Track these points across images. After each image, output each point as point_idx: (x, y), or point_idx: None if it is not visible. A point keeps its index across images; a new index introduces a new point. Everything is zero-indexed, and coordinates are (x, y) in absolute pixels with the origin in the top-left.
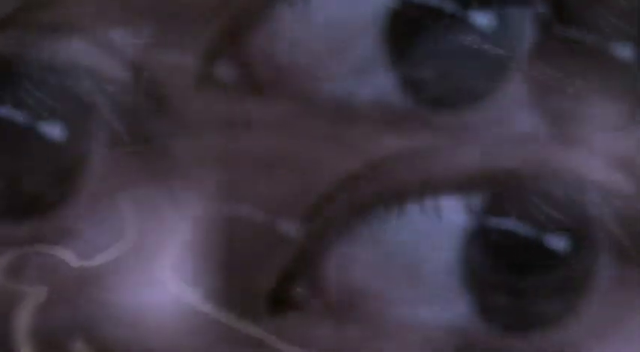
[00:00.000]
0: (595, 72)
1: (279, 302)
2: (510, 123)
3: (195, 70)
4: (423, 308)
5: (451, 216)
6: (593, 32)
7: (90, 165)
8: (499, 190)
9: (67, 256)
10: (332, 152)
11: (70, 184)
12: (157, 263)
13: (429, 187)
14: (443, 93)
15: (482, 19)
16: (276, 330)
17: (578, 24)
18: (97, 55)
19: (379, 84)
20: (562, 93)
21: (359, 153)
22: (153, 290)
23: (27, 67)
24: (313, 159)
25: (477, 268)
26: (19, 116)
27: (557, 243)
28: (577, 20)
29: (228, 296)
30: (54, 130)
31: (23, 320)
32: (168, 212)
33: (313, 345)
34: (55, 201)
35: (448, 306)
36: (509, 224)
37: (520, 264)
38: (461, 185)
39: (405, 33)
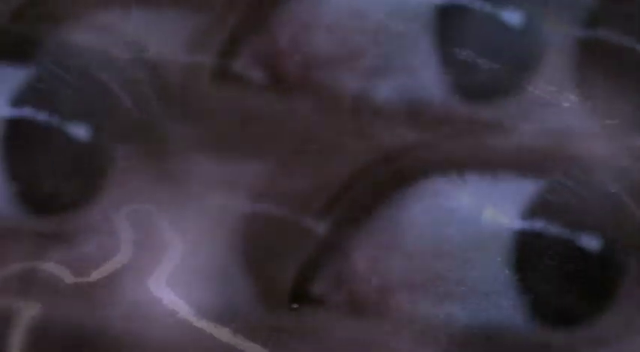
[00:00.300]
0: (619, 70)
1: (298, 298)
2: (535, 118)
3: (214, 64)
4: (454, 305)
5: (490, 215)
6: (620, 33)
7: (113, 165)
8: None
9: (62, 272)
10: (353, 144)
11: (93, 183)
12: (152, 279)
13: (454, 166)
14: (470, 88)
15: (513, 17)
16: (294, 327)
17: (605, 24)
18: (109, 43)
19: (400, 82)
20: (586, 89)
21: (379, 144)
22: (148, 306)
23: (42, 61)
24: (335, 152)
25: (519, 267)
26: (40, 116)
27: (590, 242)
28: (604, 20)
29: (223, 310)
30: (78, 130)
31: (18, 335)
32: (164, 227)
33: (330, 343)
34: (77, 200)
35: (488, 303)
36: (546, 226)
37: (556, 264)
38: (487, 167)
39: (447, 35)
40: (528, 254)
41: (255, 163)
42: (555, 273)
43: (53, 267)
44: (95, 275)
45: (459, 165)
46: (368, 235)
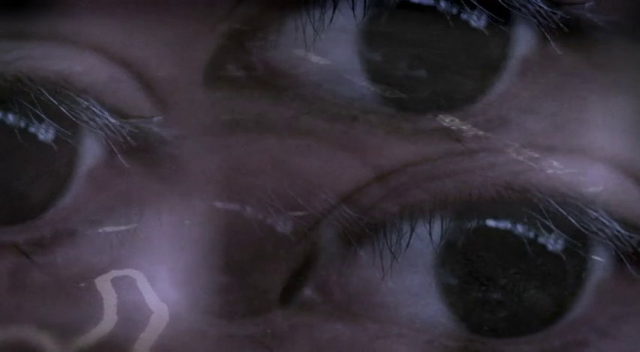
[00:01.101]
0: (598, 74)
1: (288, 303)
2: (514, 126)
3: (205, 69)
4: (432, 309)
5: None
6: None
7: (82, 167)
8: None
9: (45, 340)
10: (342, 159)
11: (60, 186)
12: (136, 347)
13: (439, 207)
14: (435, 95)
15: (477, 20)
16: (285, 331)
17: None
18: (93, 59)
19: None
20: (563, 97)
21: (369, 161)
22: None
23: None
24: (323, 164)
25: (478, 269)
26: (9, 119)
27: (554, 244)
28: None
29: None
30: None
31: None
32: (146, 291)
33: (322, 346)
34: (43, 202)
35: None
36: (505, 225)
37: (517, 264)
38: (469, 207)
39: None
40: (493, 255)
41: (239, 171)
42: (519, 273)
43: (36, 335)
44: (79, 344)
45: (444, 199)
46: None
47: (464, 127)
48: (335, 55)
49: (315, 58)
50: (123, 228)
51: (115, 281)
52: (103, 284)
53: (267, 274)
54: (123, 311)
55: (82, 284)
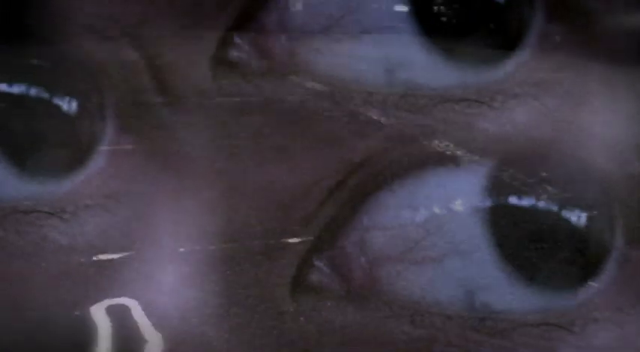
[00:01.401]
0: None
1: (300, 288)
2: (523, 101)
3: (211, 54)
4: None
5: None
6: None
7: (98, 144)
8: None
9: None
10: (338, 149)
11: (79, 160)
12: None
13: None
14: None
15: None
16: (296, 319)
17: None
18: (110, 40)
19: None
20: (572, 76)
21: (373, 131)
22: None
23: (41, 46)
24: (327, 146)
25: (500, 234)
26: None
27: (576, 217)
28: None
29: None
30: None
31: None
32: (141, 320)
33: (335, 329)
34: (64, 175)
35: (471, 265)
36: (530, 199)
37: (540, 233)
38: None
39: None
40: (516, 223)
41: (243, 158)
42: (541, 243)
43: None
44: None
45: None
46: (358, 220)
47: (459, 153)
48: (332, 80)
49: (310, 84)
50: (121, 254)
51: (110, 310)
52: (98, 313)
53: (278, 267)
54: (117, 342)
55: (77, 312)
